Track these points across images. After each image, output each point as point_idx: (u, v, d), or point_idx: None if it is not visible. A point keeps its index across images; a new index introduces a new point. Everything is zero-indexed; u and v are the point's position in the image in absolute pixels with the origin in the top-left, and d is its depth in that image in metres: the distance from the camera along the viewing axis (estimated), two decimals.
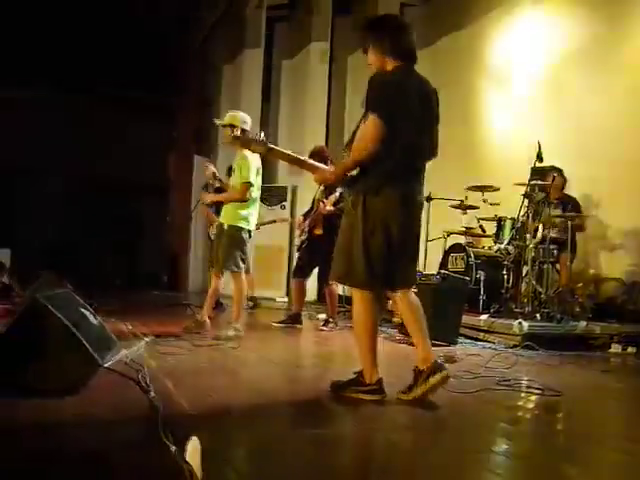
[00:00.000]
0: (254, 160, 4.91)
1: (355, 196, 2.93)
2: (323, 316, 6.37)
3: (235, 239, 4.99)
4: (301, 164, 3.33)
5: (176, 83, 13.06)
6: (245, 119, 4.97)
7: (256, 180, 4.98)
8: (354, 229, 2.91)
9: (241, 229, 5.00)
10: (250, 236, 5.13)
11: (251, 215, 5.06)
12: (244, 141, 3.11)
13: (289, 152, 3.35)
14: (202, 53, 12.91)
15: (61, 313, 2.77)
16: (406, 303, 3.05)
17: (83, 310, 3.23)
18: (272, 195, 10.24)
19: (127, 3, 10.08)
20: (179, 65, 12.95)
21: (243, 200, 4.92)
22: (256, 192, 5.06)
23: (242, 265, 5.02)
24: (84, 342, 2.75)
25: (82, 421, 2.39)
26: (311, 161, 3.40)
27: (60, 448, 2.06)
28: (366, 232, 2.88)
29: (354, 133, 3.01)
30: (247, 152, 4.77)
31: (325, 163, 5.72)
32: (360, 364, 2.98)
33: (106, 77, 11.38)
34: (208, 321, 5.15)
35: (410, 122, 2.90)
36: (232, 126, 4.84)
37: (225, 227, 5.04)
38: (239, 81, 11.06)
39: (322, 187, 6.17)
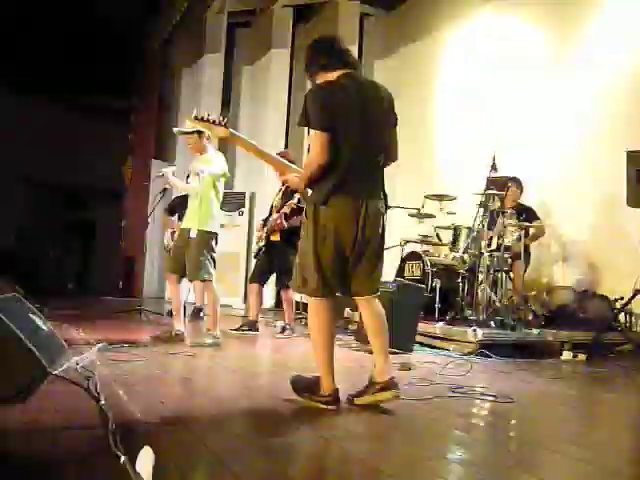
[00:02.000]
0: (221, 162, 4.86)
1: (308, 206, 2.95)
2: (280, 323, 6.34)
3: (206, 245, 4.89)
4: (264, 157, 3.28)
5: (134, 86, 12.90)
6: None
7: (220, 184, 4.93)
8: (307, 239, 2.92)
9: (210, 233, 4.91)
10: (217, 242, 5.04)
11: (217, 219, 5.00)
12: (206, 122, 3.08)
13: (252, 141, 3.34)
14: (161, 56, 12.78)
15: (9, 318, 2.68)
16: (368, 311, 3.06)
17: (32, 316, 3.14)
18: (230, 201, 10.16)
19: (83, 4, 9.89)
20: (137, 68, 12.79)
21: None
22: (220, 197, 5.01)
23: (213, 271, 4.93)
24: (32, 348, 2.67)
25: (29, 429, 2.32)
26: (276, 156, 3.36)
27: (6, 457, 1.99)
28: (317, 241, 2.88)
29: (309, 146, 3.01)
30: (211, 155, 4.75)
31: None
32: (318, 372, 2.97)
33: (60, 79, 11.15)
34: (182, 332, 5.07)
35: (351, 128, 2.89)
36: (199, 132, 4.78)
37: (193, 232, 4.92)
38: (199, 85, 10.99)
39: (280, 193, 6.16)
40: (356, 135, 2.90)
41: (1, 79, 10.75)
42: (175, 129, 5.08)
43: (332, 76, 3.00)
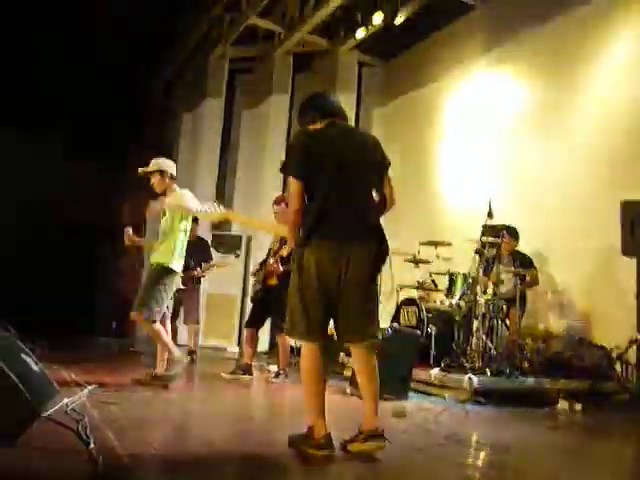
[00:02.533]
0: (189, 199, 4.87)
1: (294, 251, 3.00)
2: (274, 368, 6.28)
3: (158, 280, 4.83)
4: (258, 226, 3.50)
5: (134, 128, 13.03)
6: (170, 164, 5.01)
7: (187, 222, 4.89)
8: (293, 283, 2.97)
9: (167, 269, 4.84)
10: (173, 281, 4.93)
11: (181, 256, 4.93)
12: (203, 214, 3.42)
13: (244, 216, 3.54)
14: (163, 101, 12.97)
15: (1, 359, 2.67)
16: (357, 358, 3.05)
17: (24, 356, 3.11)
18: (226, 244, 10.17)
19: (88, 46, 10.08)
20: (138, 110, 12.95)
21: None
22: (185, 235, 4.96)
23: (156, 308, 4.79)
24: (23, 389, 2.65)
25: (17, 473, 2.28)
26: (269, 222, 3.54)
27: None
28: (301, 284, 2.92)
29: None
30: (182, 193, 4.80)
31: None
32: (306, 418, 2.94)
33: (61, 119, 11.27)
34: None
35: (329, 172, 2.94)
36: (161, 172, 4.84)
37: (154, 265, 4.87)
38: (199, 129, 11.12)
39: (278, 237, 6.18)
40: (334, 179, 2.95)
41: (7, 121, 10.85)
42: (139, 169, 5.09)
43: (318, 126, 3.10)
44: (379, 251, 3.02)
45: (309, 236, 2.89)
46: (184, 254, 5.03)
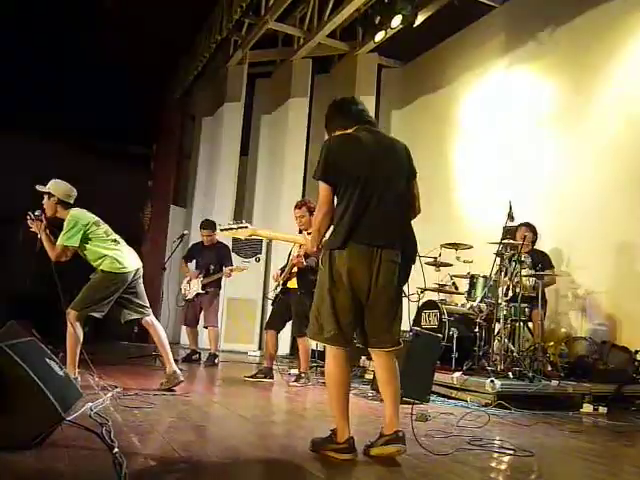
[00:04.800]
0: (80, 217, 4.79)
1: (323, 253, 2.98)
2: (295, 371, 6.29)
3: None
4: (282, 239, 3.65)
5: (154, 133, 13.14)
6: (66, 191, 4.84)
7: (99, 228, 4.86)
8: (322, 286, 2.95)
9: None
10: (127, 278, 4.82)
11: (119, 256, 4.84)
12: (229, 230, 3.57)
13: (274, 232, 3.67)
14: (182, 105, 13.06)
15: (25, 363, 2.70)
16: (379, 363, 3.04)
17: (48, 360, 3.15)
18: (246, 248, 10.22)
19: (108, 51, 10.19)
20: (158, 115, 13.06)
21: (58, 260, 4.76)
22: (110, 235, 4.91)
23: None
24: (48, 394, 2.68)
25: (42, 477, 2.30)
26: (291, 235, 3.68)
27: None
28: (332, 288, 2.90)
29: None
30: (70, 214, 4.74)
31: (312, 213, 5.80)
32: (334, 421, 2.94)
33: (82, 125, 11.39)
34: (178, 371, 4.89)
35: (362, 178, 2.94)
36: (50, 195, 4.76)
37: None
38: (218, 134, 11.19)
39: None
40: (368, 185, 2.95)
41: (26, 124, 10.99)
42: (37, 186, 4.86)
43: (349, 130, 3.11)
44: (409, 258, 3.05)
45: (342, 240, 2.88)
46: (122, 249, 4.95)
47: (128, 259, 4.86)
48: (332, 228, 2.96)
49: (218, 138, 11.15)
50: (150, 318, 4.98)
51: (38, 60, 10.24)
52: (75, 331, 4.63)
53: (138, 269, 4.92)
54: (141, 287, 4.99)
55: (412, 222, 3.15)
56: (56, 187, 4.82)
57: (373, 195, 2.94)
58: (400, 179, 3.09)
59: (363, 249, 2.89)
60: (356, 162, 2.97)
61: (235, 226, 3.64)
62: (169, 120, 13.11)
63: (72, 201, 4.85)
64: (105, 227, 4.95)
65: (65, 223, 4.77)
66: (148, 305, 5.01)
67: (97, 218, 4.95)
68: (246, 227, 3.61)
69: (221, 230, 3.69)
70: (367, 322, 2.98)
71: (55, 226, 4.89)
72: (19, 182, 11.25)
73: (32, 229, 4.82)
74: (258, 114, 11.85)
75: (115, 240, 4.90)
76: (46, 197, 4.81)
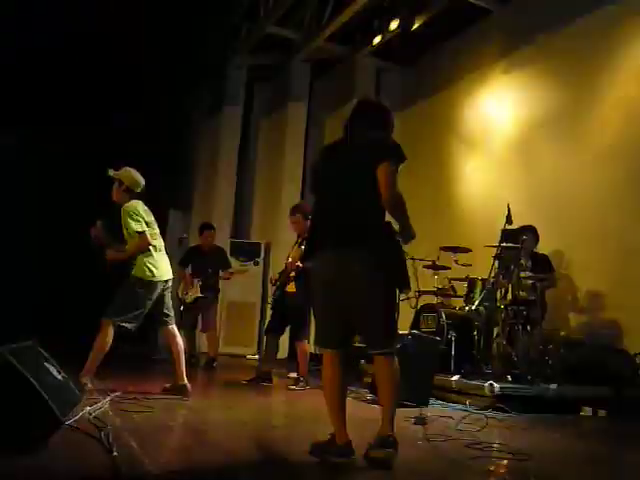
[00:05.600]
0: (140, 209, 4.81)
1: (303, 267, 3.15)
2: (294, 374, 6.29)
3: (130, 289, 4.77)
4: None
5: (153, 136, 13.13)
6: (136, 181, 4.89)
7: (150, 227, 4.85)
8: (305, 295, 3.09)
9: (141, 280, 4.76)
10: (156, 287, 4.79)
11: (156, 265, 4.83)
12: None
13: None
14: (181, 108, 13.06)
15: (24, 367, 2.70)
16: (375, 366, 3.05)
17: (47, 364, 3.16)
18: (245, 251, 10.22)
19: (107, 53, 10.19)
20: (157, 118, 13.05)
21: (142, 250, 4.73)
22: (157, 241, 4.91)
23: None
24: (46, 398, 2.68)
25: None
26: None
27: None
28: (310, 295, 3.07)
29: None
30: (131, 203, 4.77)
31: (307, 218, 5.80)
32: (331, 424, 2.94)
33: (79, 129, 11.37)
34: (188, 384, 4.82)
35: (326, 190, 3.12)
36: (120, 181, 4.82)
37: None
38: (217, 137, 11.20)
39: (296, 246, 6.19)
40: (324, 191, 3.15)
41: (26, 129, 10.98)
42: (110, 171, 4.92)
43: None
44: (382, 255, 2.90)
45: (307, 250, 3.04)
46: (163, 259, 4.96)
47: (161, 268, 4.84)
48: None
49: (217, 142, 11.17)
50: (172, 328, 4.94)
51: (40, 60, 10.25)
52: (106, 339, 4.64)
53: (168, 280, 4.91)
54: (169, 297, 4.97)
55: (388, 218, 3.02)
56: (127, 175, 4.90)
57: (330, 200, 3.07)
58: (361, 176, 2.97)
59: (326, 256, 2.96)
60: (322, 173, 3.19)
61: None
62: (168, 123, 13.10)
63: (138, 191, 4.90)
64: (154, 230, 4.94)
65: (124, 210, 4.77)
66: (172, 315, 4.98)
67: (152, 218, 4.94)
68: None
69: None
70: (358, 326, 3.02)
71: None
72: (20, 190, 11.29)
73: (93, 234, 4.85)
74: (257, 117, 11.87)
75: (155, 246, 4.87)
76: (117, 182, 4.86)
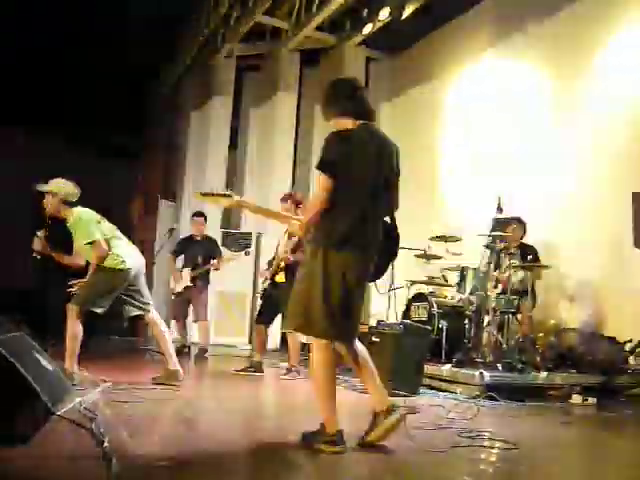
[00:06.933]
0: (88, 216, 4.75)
1: (314, 247, 2.96)
2: (285, 364, 6.29)
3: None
4: (270, 215, 3.38)
5: (143, 127, 13.07)
6: (70, 190, 4.76)
7: (103, 225, 4.81)
8: (313, 279, 2.91)
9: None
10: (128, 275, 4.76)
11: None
12: (210, 196, 3.20)
13: (259, 206, 3.39)
14: (171, 99, 12.99)
15: (14, 358, 2.68)
16: (355, 352, 3.07)
17: (37, 354, 3.14)
18: (236, 241, 10.19)
19: (97, 46, 10.11)
20: (147, 109, 12.99)
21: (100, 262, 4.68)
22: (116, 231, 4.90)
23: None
24: (36, 388, 2.66)
25: (31, 472, 2.29)
26: (283, 213, 3.45)
27: None
28: (326, 283, 2.88)
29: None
30: (75, 213, 4.69)
31: (297, 206, 5.77)
32: (320, 414, 2.94)
33: (69, 118, 11.30)
34: (180, 369, 4.87)
35: (365, 180, 2.96)
36: (53, 194, 4.69)
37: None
38: (207, 127, 11.13)
39: (286, 236, 6.18)
40: (369, 187, 2.97)
41: (16, 119, 10.88)
42: (38, 186, 4.76)
43: (349, 123, 3.05)
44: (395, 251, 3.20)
45: (338, 243, 2.89)
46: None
47: (130, 256, 4.81)
48: (325, 224, 2.93)
49: (207, 132, 11.10)
50: (152, 315, 4.94)
51: (30, 53, 10.15)
52: (75, 326, 4.61)
53: (140, 266, 4.89)
54: (143, 284, 4.95)
55: (400, 213, 3.20)
56: (58, 186, 4.76)
57: (372, 197, 2.98)
58: (394, 181, 3.13)
59: (356, 254, 2.93)
60: (360, 163, 2.96)
61: (217, 193, 3.23)
62: (158, 114, 13.05)
63: (75, 199, 4.79)
64: (108, 224, 4.90)
65: (73, 223, 4.71)
66: (150, 302, 4.97)
67: (100, 216, 4.89)
68: (230, 196, 3.22)
69: (201, 194, 3.27)
70: (351, 317, 3.01)
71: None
72: (13, 179, 11.20)
73: (36, 249, 4.75)
74: (246, 107, 11.81)
75: (118, 237, 4.85)
76: (49, 196, 4.73)
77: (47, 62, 10.37)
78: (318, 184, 2.93)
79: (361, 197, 2.94)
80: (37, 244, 4.76)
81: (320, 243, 2.93)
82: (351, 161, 2.92)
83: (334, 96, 3.17)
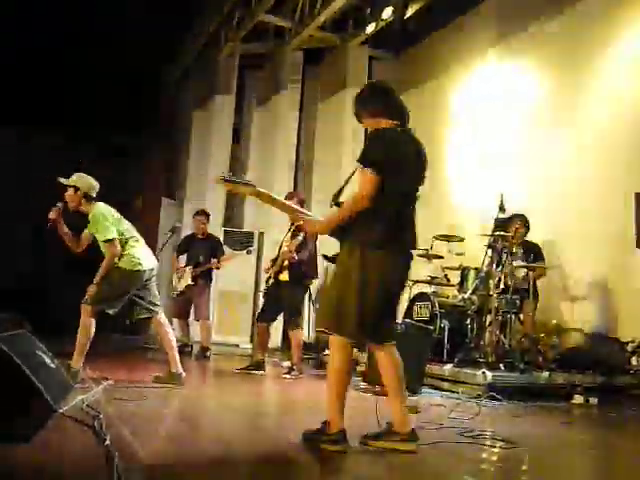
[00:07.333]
0: (108, 212, 4.77)
1: (351, 246, 2.92)
2: (287, 363, 6.30)
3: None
4: (287, 210, 3.34)
5: (146, 126, 13.06)
6: (92, 185, 4.78)
7: (122, 224, 4.83)
8: (348, 279, 2.88)
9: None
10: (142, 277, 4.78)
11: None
12: (232, 183, 3.17)
13: (276, 196, 3.35)
14: (174, 98, 12.99)
15: (16, 355, 2.69)
16: (389, 358, 3.03)
17: (40, 352, 3.14)
18: (238, 240, 10.19)
19: (100, 44, 10.11)
20: (150, 108, 12.98)
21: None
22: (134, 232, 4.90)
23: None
24: (39, 386, 2.67)
25: (34, 470, 2.29)
26: (299, 208, 3.44)
27: None
28: (362, 283, 2.85)
29: (344, 185, 3.07)
30: (96, 208, 4.71)
31: (301, 206, 5.77)
32: (326, 413, 2.93)
33: (69, 118, 11.30)
34: (183, 372, 4.83)
35: (408, 179, 2.99)
36: (76, 188, 4.70)
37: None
38: (209, 126, 11.13)
39: (289, 234, 6.18)
40: (408, 188, 3.02)
41: (16, 119, 10.89)
42: (61, 179, 4.77)
43: (383, 123, 3.06)
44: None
45: (381, 243, 2.87)
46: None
47: (145, 258, 4.82)
48: (364, 222, 2.88)
49: (210, 131, 11.09)
50: (160, 317, 4.92)
51: (32, 53, 10.16)
52: (89, 325, 4.63)
53: (153, 268, 4.89)
54: (154, 286, 4.95)
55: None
56: (81, 180, 4.78)
57: (410, 199, 3.05)
58: (422, 183, 3.17)
59: (396, 253, 2.95)
60: (402, 164, 2.96)
61: (239, 180, 3.21)
62: (161, 113, 13.04)
63: (95, 194, 4.80)
64: (127, 225, 4.91)
65: (93, 217, 4.71)
66: (160, 304, 4.97)
67: (119, 215, 4.90)
68: (253, 186, 3.17)
69: (224, 180, 3.24)
70: (386, 318, 3.05)
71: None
72: (15, 178, 11.22)
73: (52, 217, 4.70)
74: (249, 105, 11.81)
75: (135, 238, 4.85)
76: (71, 190, 4.73)
77: (47, 62, 10.36)
78: (363, 181, 2.86)
79: (401, 197, 2.96)
80: (54, 213, 4.73)
81: (359, 241, 2.90)
82: (396, 161, 2.93)
83: (370, 97, 3.19)
